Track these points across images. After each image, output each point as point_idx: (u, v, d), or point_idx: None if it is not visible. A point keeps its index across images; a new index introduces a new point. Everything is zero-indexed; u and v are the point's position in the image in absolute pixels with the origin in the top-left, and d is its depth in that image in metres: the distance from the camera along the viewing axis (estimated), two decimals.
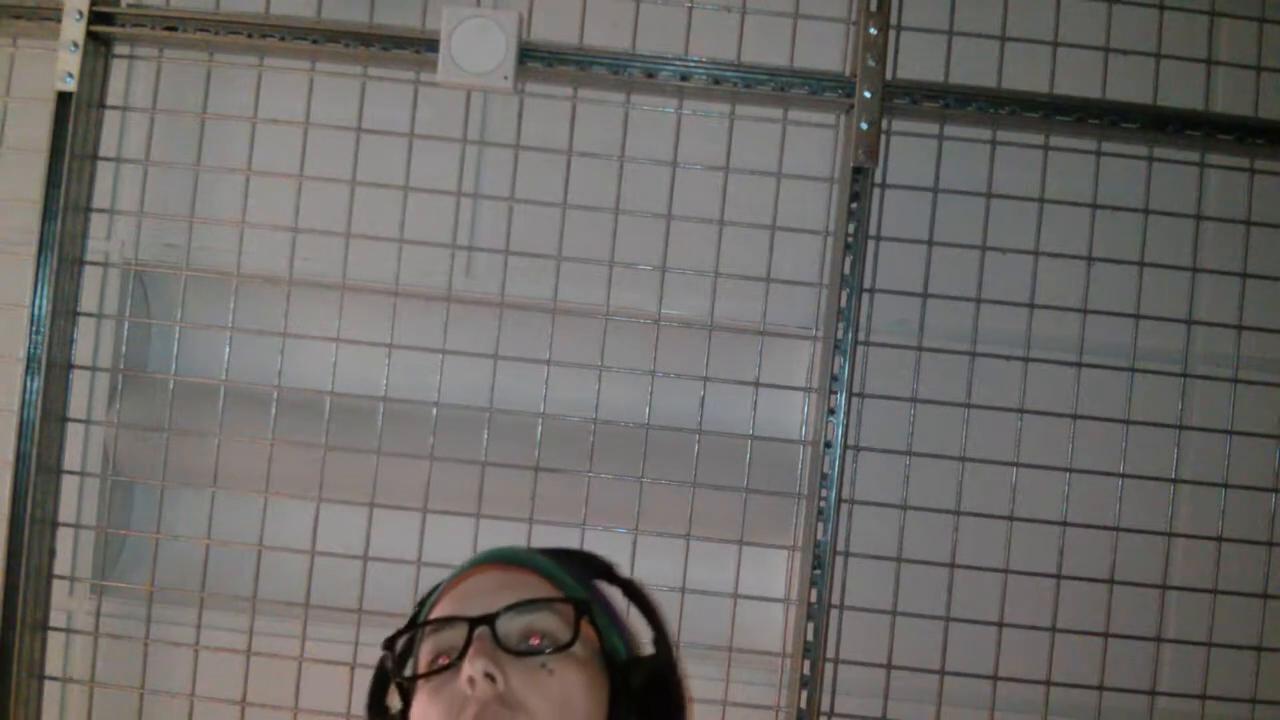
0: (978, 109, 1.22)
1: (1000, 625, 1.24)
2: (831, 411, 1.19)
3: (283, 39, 1.22)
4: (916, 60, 1.26)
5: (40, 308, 1.20)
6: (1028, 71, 1.26)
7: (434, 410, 1.25)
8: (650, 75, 1.22)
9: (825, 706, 1.20)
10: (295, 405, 1.28)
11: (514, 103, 1.29)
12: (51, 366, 1.21)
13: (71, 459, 1.27)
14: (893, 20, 1.22)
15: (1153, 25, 1.27)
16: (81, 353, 1.26)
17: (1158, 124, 1.23)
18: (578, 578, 0.67)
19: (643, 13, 1.26)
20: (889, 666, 1.23)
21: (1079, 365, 1.27)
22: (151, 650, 1.27)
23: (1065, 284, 1.28)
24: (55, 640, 1.26)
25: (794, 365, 1.33)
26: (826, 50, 1.27)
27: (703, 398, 1.26)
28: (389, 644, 0.65)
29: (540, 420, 1.26)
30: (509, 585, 0.63)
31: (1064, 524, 1.26)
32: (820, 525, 1.19)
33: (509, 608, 0.60)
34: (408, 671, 0.65)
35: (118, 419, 1.31)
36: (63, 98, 1.19)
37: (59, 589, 1.26)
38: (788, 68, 1.23)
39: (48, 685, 1.25)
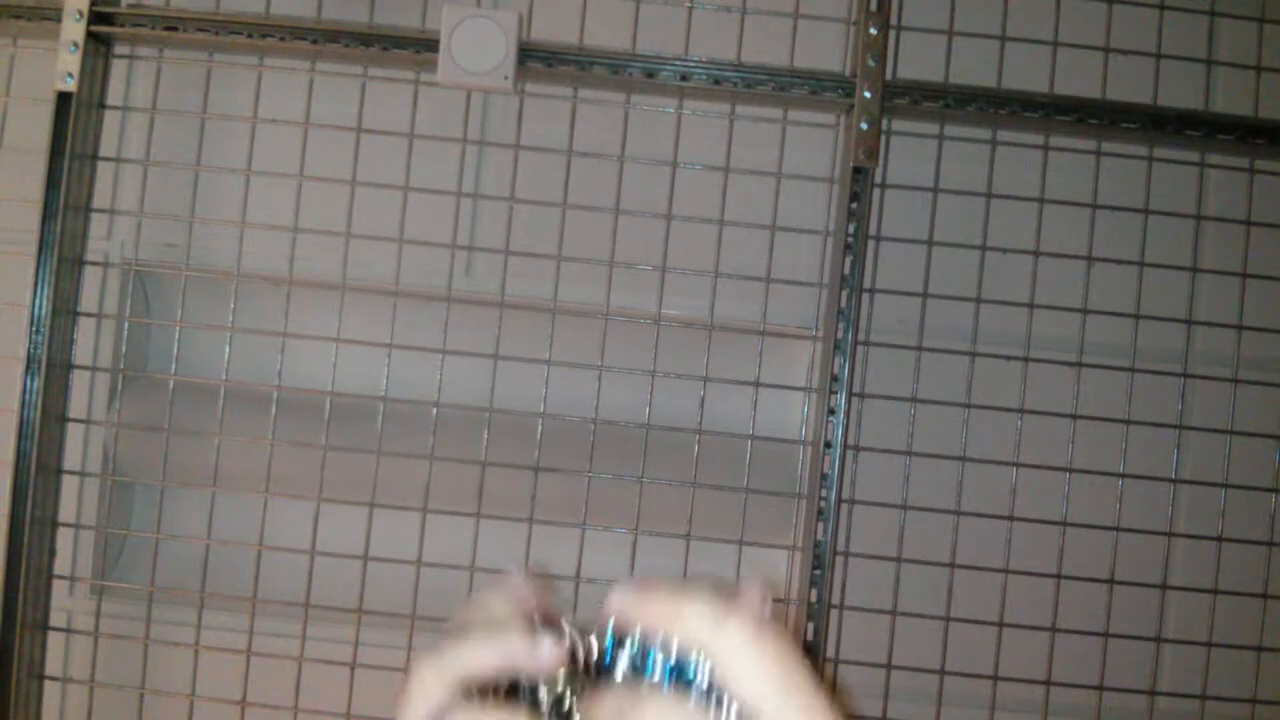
0: (978, 109, 1.22)
1: (1000, 625, 1.24)
2: (831, 411, 1.19)
3: (283, 39, 1.22)
4: (916, 60, 1.26)
5: (40, 308, 1.20)
6: (1028, 71, 1.26)
7: (434, 410, 1.25)
8: (650, 75, 1.22)
9: None
10: (295, 405, 1.28)
11: (514, 103, 1.29)
12: (51, 366, 1.21)
13: (71, 459, 1.27)
14: (893, 20, 1.22)
15: (1153, 25, 1.27)
16: (81, 353, 1.27)
17: (1158, 124, 1.23)
18: None
19: (643, 13, 1.26)
20: (889, 666, 1.23)
21: (1079, 365, 1.27)
22: (151, 650, 1.27)
23: (1065, 284, 1.28)
24: (55, 640, 1.26)
25: (794, 365, 1.33)
26: (826, 50, 1.27)
27: (703, 398, 1.26)
28: None
29: (540, 420, 1.26)
30: None
31: (1064, 524, 1.26)
32: (820, 525, 1.19)
33: None
34: None
35: (118, 419, 1.31)
36: (63, 98, 1.19)
37: (59, 589, 1.26)
38: (788, 68, 1.23)
39: (48, 685, 1.25)
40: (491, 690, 0.44)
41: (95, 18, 1.20)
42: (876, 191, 1.24)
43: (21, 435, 1.19)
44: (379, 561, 1.24)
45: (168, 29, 1.22)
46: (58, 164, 1.19)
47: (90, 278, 1.27)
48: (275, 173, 1.26)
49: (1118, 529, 1.26)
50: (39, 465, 1.20)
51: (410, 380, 1.26)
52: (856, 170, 1.19)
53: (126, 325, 1.29)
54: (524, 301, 1.28)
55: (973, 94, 1.22)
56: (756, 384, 1.26)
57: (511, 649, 0.43)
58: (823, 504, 1.19)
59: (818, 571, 1.19)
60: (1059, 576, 1.25)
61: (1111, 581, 1.25)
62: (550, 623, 0.45)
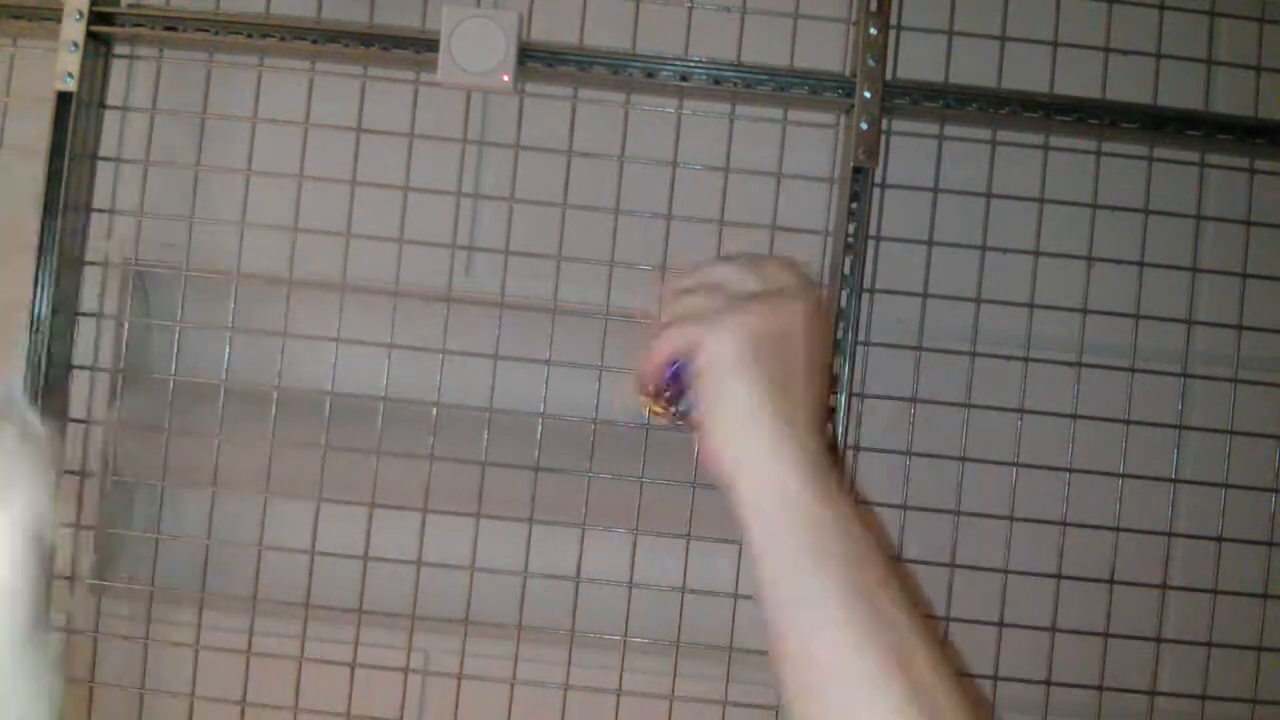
0: (978, 109, 1.22)
1: (1000, 625, 1.24)
2: (831, 411, 1.19)
3: (283, 39, 1.22)
4: (916, 60, 1.26)
5: (40, 308, 1.20)
6: (1028, 71, 1.26)
7: (434, 410, 1.25)
8: (650, 75, 1.22)
9: None
10: (295, 405, 1.28)
11: (514, 103, 1.29)
12: (51, 366, 1.21)
13: (71, 459, 1.27)
14: (893, 20, 1.22)
15: (1153, 25, 1.27)
16: (81, 353, 1.27)
17: (1158, 124, 1.23)
18: None
19: (643, 13, 1.26)
20: None
21: (1079, 365, 1.27)
22: (151, 650, 1.27)
23: (1065, 284, 1.28)
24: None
25: None
26: (827, 50, 1.27)
27: None
28: None
29: (540, 420, 1.26)
30: None
31: (1064, 524, 1.26)
32: None
33: None
34: None
35: (118, 419, 1.31)
36: (63, 98, 1.19)
37: (59, 589, 1.26)
38: (788, 68, 1.23)
39: None
40: None
41: (95, 18, 1.20)
42: (876, 191, 1.24)
43: None
44: (379, 561, 1.24)
45: (168, 29, 1.22)
46: (58, 164, 1.19)
47: (90, 278, 1.27)
48: (275, 173, 1.26)
49: (1118, 529, 1.26)
50: None
51: (410, 380, 1.26)
52: (856, 170, 1.19)
53: (127, 325, 1.29)
54: (524, 301, 1.28)
55: (973, 94, 1.22)
56: None
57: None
58: None
59: None
60: (1059, 576, 1.25)
61: (1111, 581, 1.25)
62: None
